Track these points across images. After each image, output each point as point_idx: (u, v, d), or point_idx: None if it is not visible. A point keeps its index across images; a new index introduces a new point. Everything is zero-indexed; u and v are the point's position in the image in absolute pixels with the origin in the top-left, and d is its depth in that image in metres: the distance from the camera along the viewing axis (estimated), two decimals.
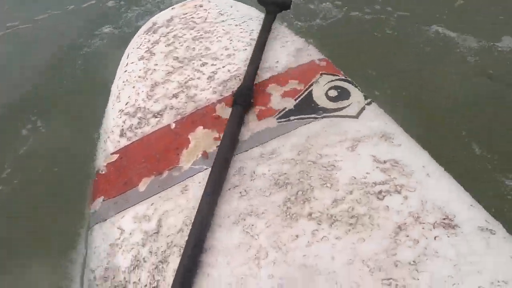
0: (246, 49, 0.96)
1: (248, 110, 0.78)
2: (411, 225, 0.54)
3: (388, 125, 0.70)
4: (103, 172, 0.81)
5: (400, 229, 0.54)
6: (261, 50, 0.90)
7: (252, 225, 0.60)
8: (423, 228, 0.53)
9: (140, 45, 1.11)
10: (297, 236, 0.57)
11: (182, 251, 0.60)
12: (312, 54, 0.92)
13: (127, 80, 1.00)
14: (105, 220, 0.72)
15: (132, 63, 1.05)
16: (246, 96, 0.78)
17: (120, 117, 0.91)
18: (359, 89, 0.79)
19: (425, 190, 0.57)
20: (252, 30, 1.02)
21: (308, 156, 0.67)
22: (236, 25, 1.06)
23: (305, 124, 0.73)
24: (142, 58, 1.05)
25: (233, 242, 0.59)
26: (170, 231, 0.64)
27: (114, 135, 0.87)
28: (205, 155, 0.74)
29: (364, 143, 0.66)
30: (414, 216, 0.55)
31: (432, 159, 0.63)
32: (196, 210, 0.64)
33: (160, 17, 1.19)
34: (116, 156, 0.83)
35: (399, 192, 0.58)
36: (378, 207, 0.57)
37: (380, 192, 0.58)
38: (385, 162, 0.62)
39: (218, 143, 0.75)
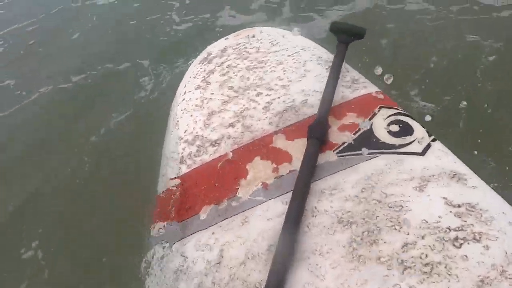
0: (300, 80, 0.98)
1: (323, 144, 0.77)
2: (495, 279, 0.50)
3: (458, 164, 0.67)
4: (165, 197, 0.86)
5: (483, 283, 0.50)
6: (335, 82, 0.88)
7: (317, 264, 0.59)
8: (510, 285, 0.49)
9: (196, 74, 1.18)
10: (366, 280, 0.55)
11: (245, 285, 0.61)
12: (368, 86, 0.91)
13: (185, 108, 1.06)
14: (168, 245, 0.75)
15: (189, 92, 1.12)
16: (322, 130, 0.77)
17: (180, 144, 0.96)
18: (421, 125, 0.77)
19: (509, 240, 0.53)
20: (305, 61, 1.05)
21: (372, 194, 0.65)
22: (289, 56, 1.09)
23: (367, 160, 0.72)
24: (198, 87, 1.11)
25: (297, 280, 0.58)
26: (232, 263, 0.66)
27: (174, 161, 0.92)
28: (265, 186, 0.75)
29: (434, 183, 0.64)
30: (498, 269, 0.51)
31: (510, 205, 0.59)
32: (257, 243, 0.65)
33: (215, 47, 1.27)
34: (177, 182, 0.87)
35: (478, 241, 0.54)
36: (455, 256, 0.54)
37: (456, 239, 0.55)
38: (459, 206, 0.59)
39: (277, 174, 0.77)
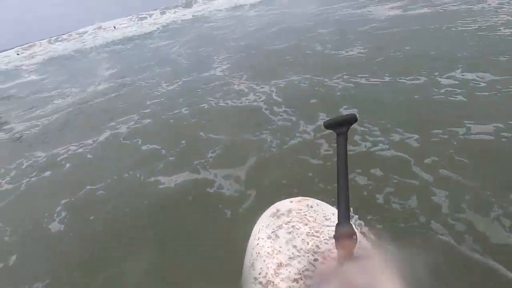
0: None
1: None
2: None
3: None
4: None
5: None
6: (346, 171, 1.10)
7: None
8: None
9: (268, 225, 1.62)
10: None
11: None
12: None
13: (259, 252, 1.46)
14: None
15: (262, 238, 1.54)
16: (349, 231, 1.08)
17: (255, 284, 1.32)
18: None
19: None
20: None
21: None
22: None
23: None
24: (269, 237, 1.54)
25: None
26: None
27: None
28: None
29: None
30: None
31: None
32: None
33: (282, 206, 1.75)
34: None
35: None
36: None
37: None
38: None
39: None
